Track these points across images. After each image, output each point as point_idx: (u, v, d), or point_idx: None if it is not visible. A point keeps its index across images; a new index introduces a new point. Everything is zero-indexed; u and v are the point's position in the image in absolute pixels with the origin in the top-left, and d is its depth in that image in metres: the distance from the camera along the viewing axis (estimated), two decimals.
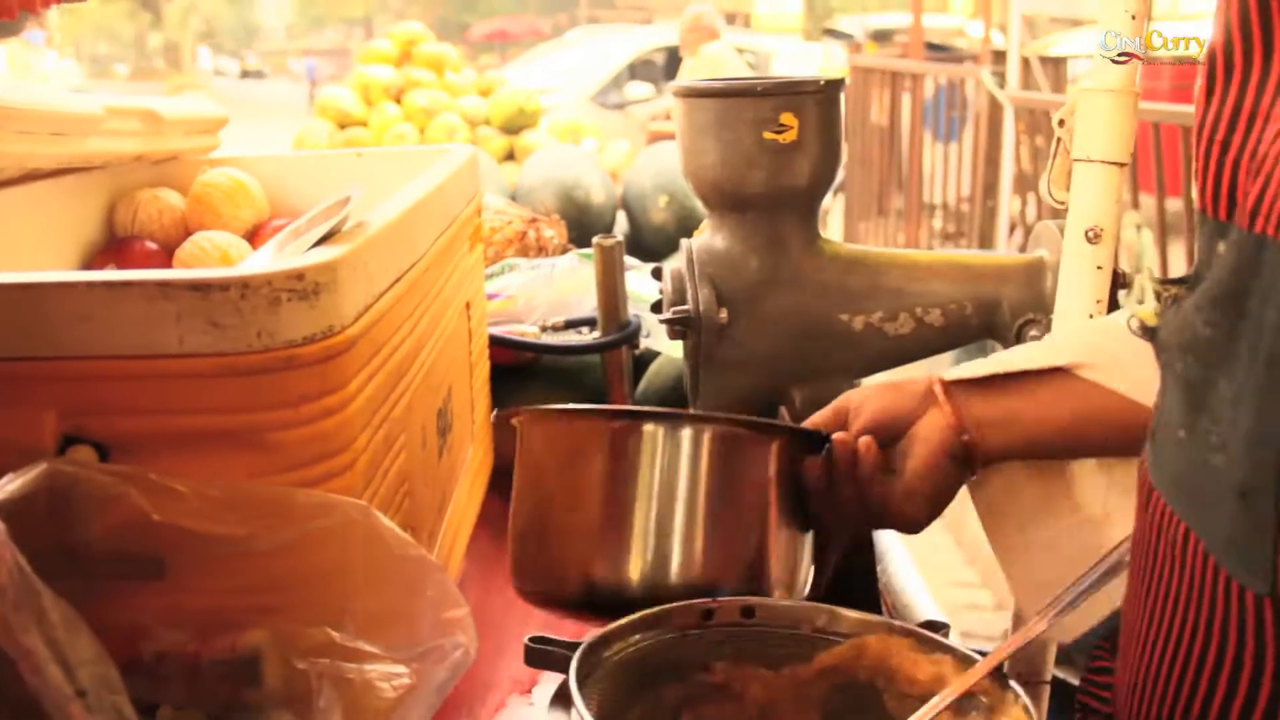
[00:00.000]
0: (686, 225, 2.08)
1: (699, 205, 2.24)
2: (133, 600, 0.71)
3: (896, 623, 0.77)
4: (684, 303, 1.07)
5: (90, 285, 0.68)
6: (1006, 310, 1.10)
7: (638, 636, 0.76)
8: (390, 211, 0.90)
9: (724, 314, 1.05)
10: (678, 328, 1.08)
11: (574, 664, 0.70)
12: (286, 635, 0.71)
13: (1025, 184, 5.14)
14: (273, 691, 0.71)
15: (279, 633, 0.72)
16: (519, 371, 1.47)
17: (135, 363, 0.69)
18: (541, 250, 1.71)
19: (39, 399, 0.69)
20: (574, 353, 1.47)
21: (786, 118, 1.05)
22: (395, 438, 0.88)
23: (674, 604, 0.77)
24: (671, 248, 1.12)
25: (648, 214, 2.25)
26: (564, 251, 1.71)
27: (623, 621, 0.75)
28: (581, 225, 2.01)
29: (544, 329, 1.48)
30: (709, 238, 1.12)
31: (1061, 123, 1.03)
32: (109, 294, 0.68)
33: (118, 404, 0.70)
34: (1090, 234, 0.99)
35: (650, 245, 2.14)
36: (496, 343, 1.40)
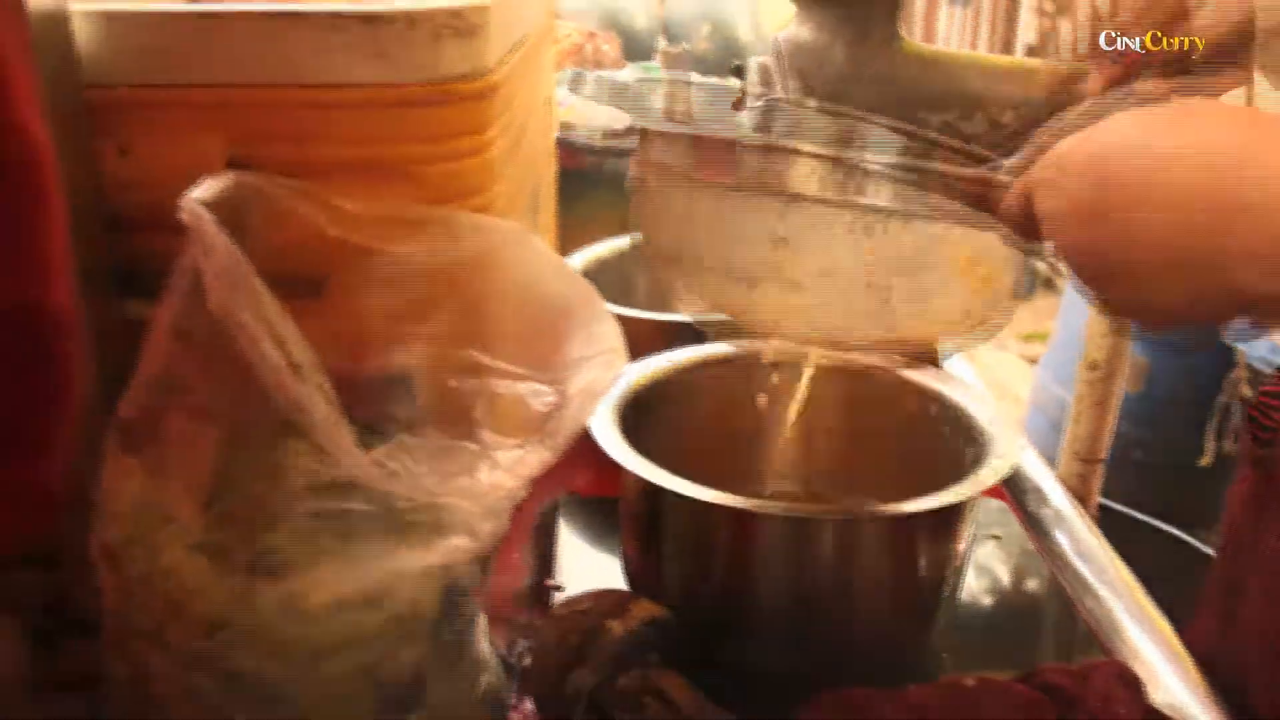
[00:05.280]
0: (728, 56, 2.08)
1: (741, 34, 2.26)
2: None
3: None
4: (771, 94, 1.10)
5: (268, 15, 0.72)
6: None
7: None
8: None
9: (813, 105, 1.08)
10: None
11: None
12: (438, 357, 0.76)
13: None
14: (424, 408, 0.77)
15: (430, 355, 0.76)
16: (584, 176, 1.51)
17: (304, 91, 0.73)
18: (598, 64, 1.73)
19: (209, 125, 0.73)
20: None
21: None
22: (515, 197, 0.92)
23: None
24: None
25: (690, 44, 2.25)
26: (619, 67, 1.73)
27: None
28: (625, 49, 2.01)
29: (606, 135, 1.51)
30: (795, 30, 1.14)
31: None
32: (286, 23, 0.71)
33: (283, 131, 0.74)
34: None
35: None
36: (563, 145, 1.44)
